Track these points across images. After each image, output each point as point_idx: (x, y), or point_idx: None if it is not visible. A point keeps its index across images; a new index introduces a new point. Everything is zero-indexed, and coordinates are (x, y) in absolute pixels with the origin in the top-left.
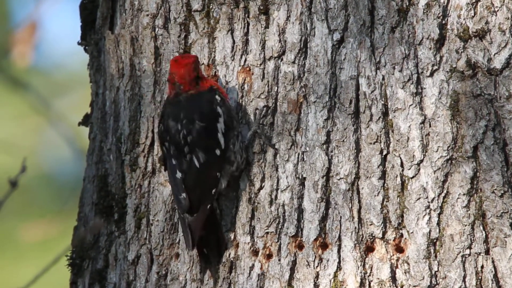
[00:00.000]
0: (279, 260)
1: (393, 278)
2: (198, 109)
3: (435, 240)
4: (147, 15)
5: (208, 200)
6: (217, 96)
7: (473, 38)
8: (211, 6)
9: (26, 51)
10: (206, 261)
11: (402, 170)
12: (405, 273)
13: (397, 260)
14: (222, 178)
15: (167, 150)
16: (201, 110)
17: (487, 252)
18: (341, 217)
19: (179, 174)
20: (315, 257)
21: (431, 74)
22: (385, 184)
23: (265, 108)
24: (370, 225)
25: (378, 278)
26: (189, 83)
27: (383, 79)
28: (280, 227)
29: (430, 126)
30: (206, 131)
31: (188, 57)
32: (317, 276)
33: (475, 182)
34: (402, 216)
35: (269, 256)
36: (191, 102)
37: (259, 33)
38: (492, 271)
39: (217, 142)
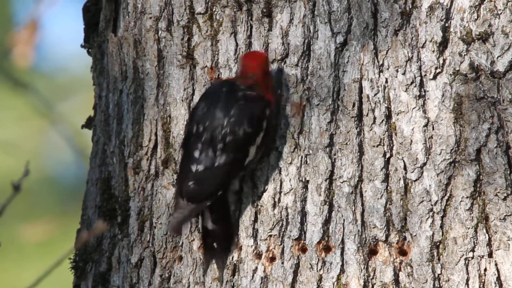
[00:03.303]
0: (282, 263)
1: (396, 281)
2: (251, 114)
3: (438, 243)
4: (150, 17)
5: (210, 200)
6: (267, 110)
7: (476, 41)
8: (214, 9)
9: (27, 51)
10: (212, 255)
11: (405, 173)
12: (408, 276)
13: (400, 263)
14: (234, 181)
15: (196, 134)
16: (252, 117)
17: (490, 255)
18: (344, 220)
19: (197, 167)
20: (318, 260)
21: (434, 77)
22: (388, 187)
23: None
24: (373, 228)
25: (381, 281)
26: (262, 76)
27: (386, 82)
28: (283, 230)
29: (433, 129)
30: (246, 139)
31: (260, 52)
32: (320, 279)
33: (478, 185)
34: (405, 219)
35: (272, 259)
36: (248, 103)
37: (262, 36)
38: (495, 274)
39: (247, 153)
